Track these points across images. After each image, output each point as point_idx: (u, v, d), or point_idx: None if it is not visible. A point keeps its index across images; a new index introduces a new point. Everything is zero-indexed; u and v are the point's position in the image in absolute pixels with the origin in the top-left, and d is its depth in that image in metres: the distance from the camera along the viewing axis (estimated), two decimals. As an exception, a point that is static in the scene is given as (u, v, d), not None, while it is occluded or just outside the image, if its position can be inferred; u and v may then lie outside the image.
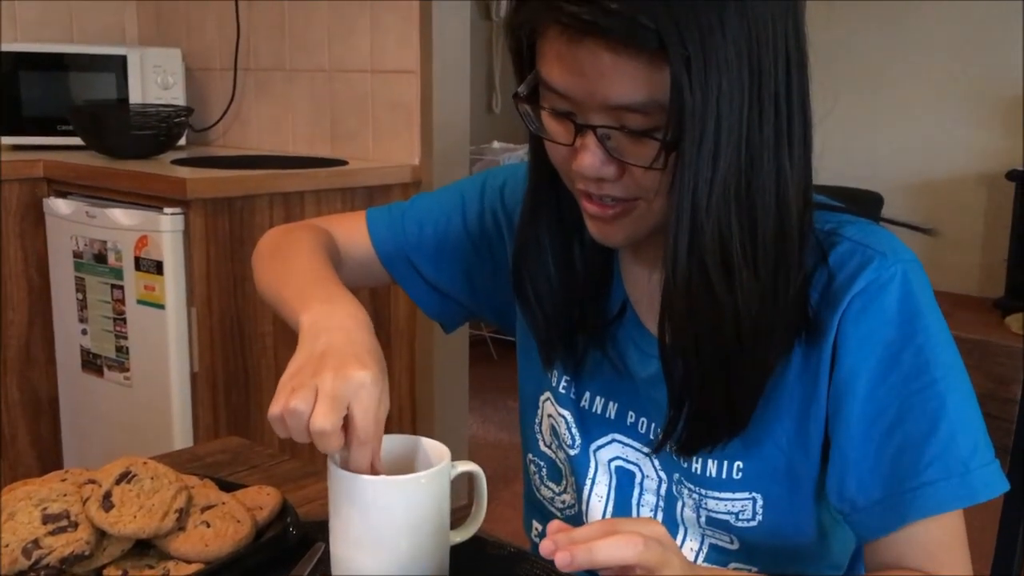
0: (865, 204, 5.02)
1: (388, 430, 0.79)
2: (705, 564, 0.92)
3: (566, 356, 0.96)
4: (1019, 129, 5.16)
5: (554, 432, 1.00)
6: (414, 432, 0.82)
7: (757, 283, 0.77)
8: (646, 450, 0.93)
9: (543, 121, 0.81)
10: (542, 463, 1.03)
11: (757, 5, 0.72)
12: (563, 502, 1.02)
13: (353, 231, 1.09)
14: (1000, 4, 5.11)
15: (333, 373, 0.75)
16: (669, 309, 0.79)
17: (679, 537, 0.93)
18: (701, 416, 0.83)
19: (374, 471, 0.78)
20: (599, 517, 0.97)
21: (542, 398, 1.01)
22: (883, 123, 5.65)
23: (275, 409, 0.74)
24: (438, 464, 0.79)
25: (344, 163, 2.47)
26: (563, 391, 0.98)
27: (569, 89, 0.75)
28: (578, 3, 0.71)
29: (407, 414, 2.57)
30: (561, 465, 1.01)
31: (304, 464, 1.11)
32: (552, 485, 1.03)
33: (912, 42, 5.49)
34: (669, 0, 0.69)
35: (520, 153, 3.99)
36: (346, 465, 0.77)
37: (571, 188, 0.84)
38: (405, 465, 0.83)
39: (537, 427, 1.03)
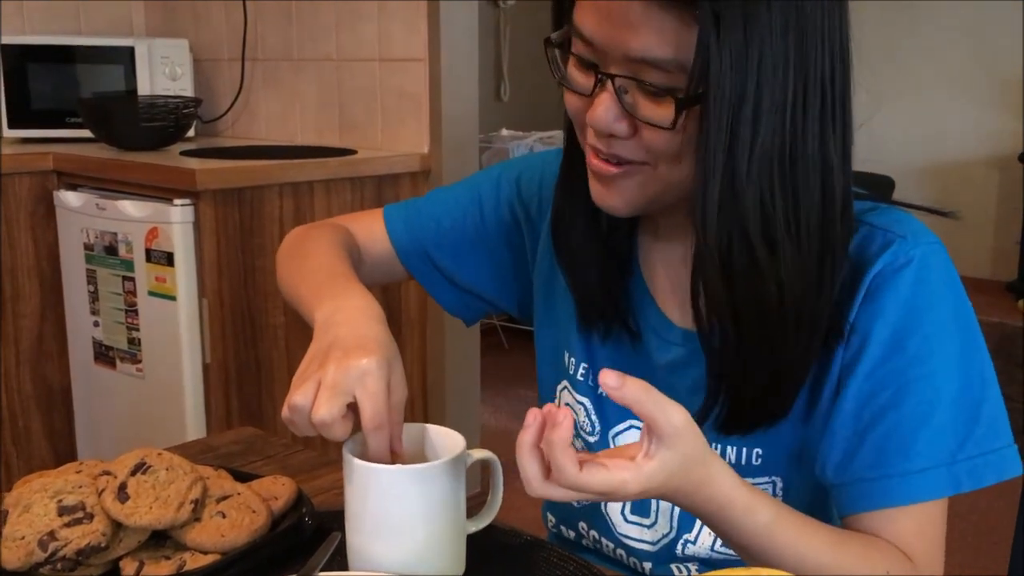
0: (876, 188, 4.99)
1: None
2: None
3: (604, 315, 0.95)
4: (1031, 111, 5.13)
5: None
6: (426, 422, 0.82)
7: (801, 264, 0.76)
8: None
9: (568, 69, 0.81)
10: None
11: None
12: None
13: (371, 229, 1.10)
14: (1011, -15, 5.07)
15: (335, 364, 0.76)
16: (703, 275, 0.78)
17: (696, 523, 0.92)
18: (742, 395, 0.82)
19: (396, 457, 0.78)
20: (618, 504, 0.97)
21: (559, 387, 1.01)
22: (894, 106, 5.61)
23: (283, 410, 0.77)
24: (453, 453, 0.79)
25: (353, 152, 2.46)
26: (581, 378, 0.98)
27: (595, 35, 0.75)
28: None
29: (419, 404, 2.57)
30: None
31: (319, 454, 1.11)
32: None
33: (923, 23, 5.46)
34: None
35: (529, 141, 3.98)
36: (365, 452, 0.77)
37: (582, 144, 0.84)
38: (420, 454, 0.83)
39: None
